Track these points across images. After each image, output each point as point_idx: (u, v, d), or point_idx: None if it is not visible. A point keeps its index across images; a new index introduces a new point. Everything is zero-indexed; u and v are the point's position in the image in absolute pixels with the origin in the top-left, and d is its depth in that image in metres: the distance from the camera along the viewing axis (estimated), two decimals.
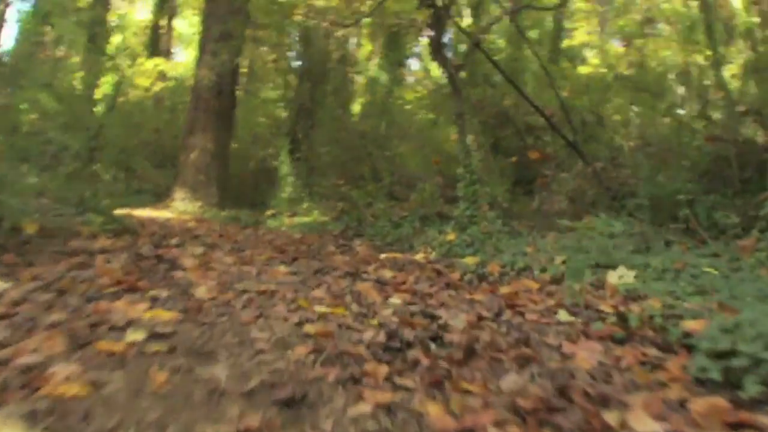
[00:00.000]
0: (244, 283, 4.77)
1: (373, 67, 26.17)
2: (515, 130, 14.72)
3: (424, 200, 10.65)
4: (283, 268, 5.74)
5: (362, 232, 10.18)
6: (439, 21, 9.61)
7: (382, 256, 7.44)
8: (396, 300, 4.50)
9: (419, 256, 7.58)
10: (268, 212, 16.04)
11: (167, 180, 18.42)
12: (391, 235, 9.25)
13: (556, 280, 5.65)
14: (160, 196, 17.77)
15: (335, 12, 17.83)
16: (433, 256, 7.66)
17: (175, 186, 17.14)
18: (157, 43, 28.00)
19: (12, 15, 49.39)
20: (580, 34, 28.14)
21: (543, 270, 6.04)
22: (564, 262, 6.07)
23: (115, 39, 29.65)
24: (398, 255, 7.61)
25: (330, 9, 17.68)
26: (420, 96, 25.89)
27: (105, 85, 26.21)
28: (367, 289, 4.81)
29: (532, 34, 22.07)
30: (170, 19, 31.50)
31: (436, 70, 35.66)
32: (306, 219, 14.88)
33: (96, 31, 25.42)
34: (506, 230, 8.33)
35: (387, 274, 5.89)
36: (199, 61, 17.67)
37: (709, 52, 21.90)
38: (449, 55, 11.55)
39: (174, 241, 7.36)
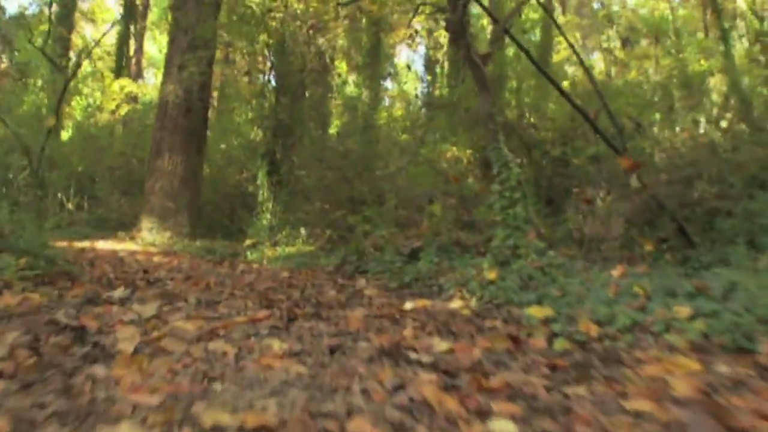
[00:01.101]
0: (213, 397, 2.51)
1: (351, 86, 24.41)
2: (534, 140, 12.67)
3: (436, 226, 8.42)
4: (276, 344, 3.48)
5: (364, 267, 7.92)
6: None
7: (408, 306, 5.21)
8: (502, 425, 2.29)
9: (457, 305, 5.36)
10: (247, 241, 13.79)
11: (136, 208, 16.13)
12: (406, 272, 6.97)
13: (706, 350, 3.46)
14: (128, 226, 15.47)
15: (314, 15, 15.75)
16: (474, 303, 5.45)
17: (142, 214, 14.85)
18: (123, 66, 25.71)
19: None
20: (562, 49, 26.18)
21: (665, 329, 3.85)
22: (694, 318, 3.88)
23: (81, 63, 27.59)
24: (427, 302, 5.39)
25: (308, 13, 15.60)
26: (399, 115, 24.09)
27: (76, 110, 24.01)
28: (434, 396, 2.57)
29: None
30: (139, 42, 29.33)
31: (411, 89, 33.94)
32: (289, 249, 12.65)
33: (59, 55, 23.08)
34: (560, 264, 6.11)
35: (438, 344, 3.67)
36: (165, 75, 15.42)
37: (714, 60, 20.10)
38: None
39: (119, 291, 5.08)
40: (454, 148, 15.83)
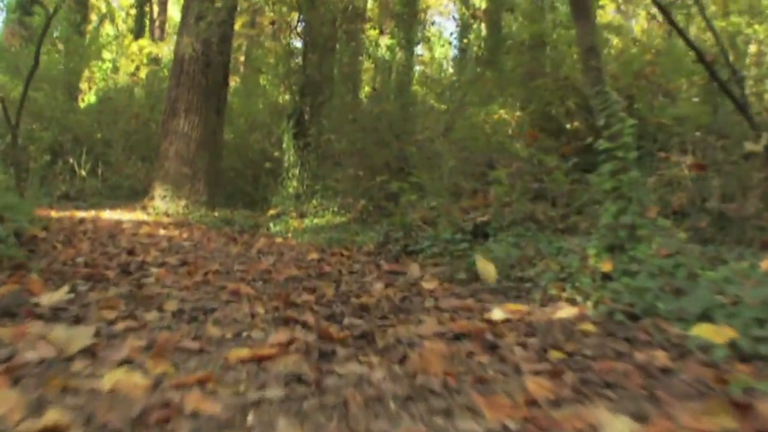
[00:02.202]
0: None
1: (383, 49, 22.59)
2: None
3: (503, 196, 6.52)
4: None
5: (414, 247, 6.02)
6: None
7: (497, 314, 3.35)
8: None
9: (568, 313, 3.51)
10: (271, 211, 12.00)
11: (152, 175, 14.35)
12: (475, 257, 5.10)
13: None
14: (143, 194, 13.71)
15: None
16: (591, 310, 3.59)
17: (155, 181, 13.06)
18: (143, 27, 23.86)
19: None
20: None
21: None
22: None
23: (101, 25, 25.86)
24: (521, 308, 3.55)
25: None
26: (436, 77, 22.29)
27: (96, 75, 22.18)
28: None
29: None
30: (163, 4, 27.50)
31: (442, 57, 31.92)
32: (318, 221, 10.86)
33: (79, 16, 21.27)
34: (699, 252, 4.24)
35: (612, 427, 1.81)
36: (181, 28, 13.56)
37: None
38: None
39: (59, 293, 3.26)
40: (502, 111, 13.91)
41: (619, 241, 4.28)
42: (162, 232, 8.49)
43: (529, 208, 6.19)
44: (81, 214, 11.06)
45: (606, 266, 4.02)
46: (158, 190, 12.71)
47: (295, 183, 12.76)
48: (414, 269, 5.07)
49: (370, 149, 11.71)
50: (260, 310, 3.22)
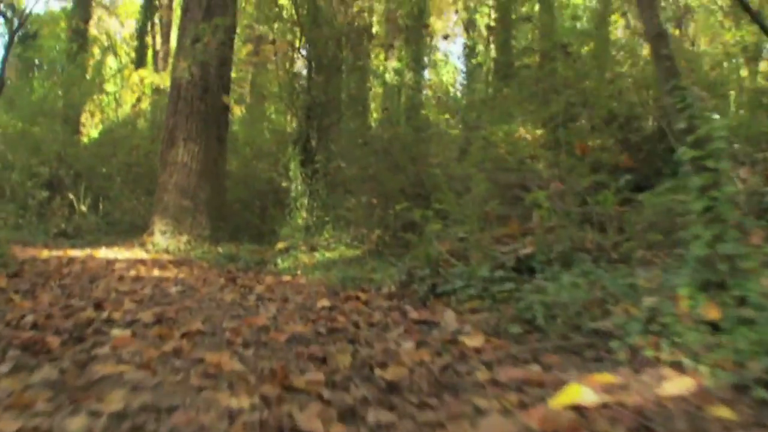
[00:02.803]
0: None
1: (391, 73, 21.76)
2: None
3: (546, 221, 5.46)
4: None
5: (445, 287, 4.94)
6: None
7: (584, 394, 2.29)
8: None
9: (681, 387, 2.47)
10: (279, 245, 10.97)
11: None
12: (528, 302, 3.98)
13: None
14: (143, 230, 12.70)
15: None
16: (708, 377, 2.55)
17: (154, 216, 12.07)
18: (144, 56, 23.03)
19: None
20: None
21: None
22: None
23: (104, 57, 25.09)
24: (611, 379, 2.52)
25: None
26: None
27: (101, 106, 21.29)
28: None
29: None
30: (166, 34, 26.64)
31: (449, 78, 31.13)
32: (330, 254, 9.85)
33: (75, 45, 20.44)
34: None
35: None
36: (178, 52, 12.65)
37: None
38: None
39: None
40: (521, 128, 12.88)
41: (717, 277, 3.23)
42: (155, 273, 7.48)
43: (578, 236, 5.14)
44: (74, 252, 10.15)
45: (712, 312, 2.97)
46: (158, 225, 11.73)
47: (304, 214, 11.74)
48: (449, 318, 4.03)
49: (383, 175, 10.69)
50: (244, 403, 2.18)
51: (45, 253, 9.73)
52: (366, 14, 14.10)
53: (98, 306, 4.18)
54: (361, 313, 4.33)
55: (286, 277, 8.17)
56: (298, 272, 8.72)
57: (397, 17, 19.01)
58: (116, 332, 3.35)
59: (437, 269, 5.35)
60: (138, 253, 10.69)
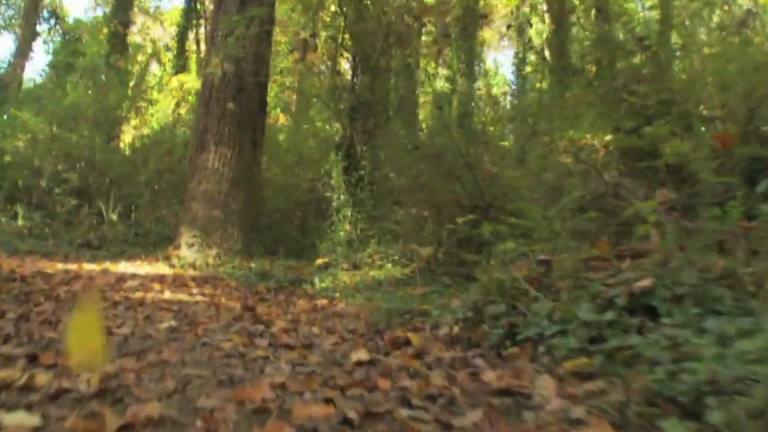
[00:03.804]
0: None
1: (441, 80, 20.59)
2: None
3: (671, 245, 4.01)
4: None
5: (528, 332, 3.50)
6: None
7: None
8: None
9: None
10: (318, 261, 9.63)
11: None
12: (668, 369, 2.60)
13: None
14: (171, 242, 11.45)
15: None
16: None
17: (181, 227, 10.82)
18: (185, 61, 22.01)
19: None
20: None
21: None
22: None
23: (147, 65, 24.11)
24: None
25: None
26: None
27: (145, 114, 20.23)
28: None
29: None
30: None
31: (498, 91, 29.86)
32: (375, 273, 8.52)
33: (116, 50, 19.48)
34: None
35: None
36: (210, 48, 11.43)
37: None
38: None
39: None
40: (588, 135, 11.45)
41: None
42: (165, 295, 6.19)
43: (711, 261, 3.70)
44: (90, 266, 8.97)
45: None
46: (185, 237, 10.46)
47: (346, 226, 10.41)
48: (545, 387, 2.63)
49: (436, 184, 9.33)
50: None
51: (58, 267, 8.59)
52: (415, 5, 12.58)
53: (33, 359, 2.85)
54: (414, 374, 2.95)
55: (322, 301, 6.84)
56: (337, 294, 7.39)
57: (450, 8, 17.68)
58: (9, 420, 2.00)
59: (514, 304, 3.93)
60: (160, 268, 9.46)
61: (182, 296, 6.23)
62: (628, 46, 10.20)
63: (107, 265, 9.29)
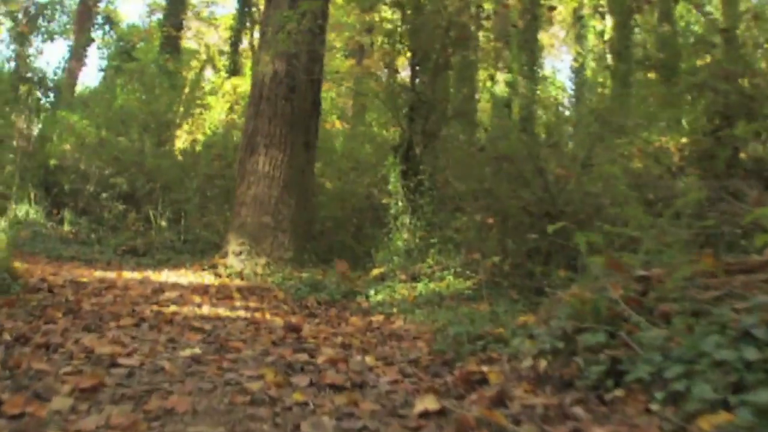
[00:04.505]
0: None
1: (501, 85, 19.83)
2: None
3: None
4: None
5: (638, 371, 2.75)
6: None
7: None
8: None
9: None
10: (374, 272, 8.92)
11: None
12: None
13: None
14: (219, 249, 10.83)
15: None
16: None
17: (229, 234, 10.21)
18: (238, 63, 21.62)
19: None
20: None
21: None
22: None
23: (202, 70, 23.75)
24: None
25: None
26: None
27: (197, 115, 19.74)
28: None
29: None
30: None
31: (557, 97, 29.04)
32: (436, 285, 7.78)
33: (168, 54, 19.09)
34: None
35: None
36: (261, 45, 10.82)
37: None
38: None
39: None
40: (662, 138, 10.59)
41: None
42: (203, 310, 5.56)
43: None
44: (130, 274, 8.48)
45: None
46: (232, 245, 9.84)
47: (404, 234, 9.64)
48: None
49: (501, 189, 8.55)
50: None
51: (95, 275, 8.13)
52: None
53: None
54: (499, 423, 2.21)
55: (377, 317, 6.16)
56: (394, 310, 6.67)
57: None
58: None
59: (612, 331, 3.17)
60: (205, 278, 8.87)
61: (222, 311, 5.58)
62: (710, 37, 9.29)
63: (149, 273, 8.79)
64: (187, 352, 3.32)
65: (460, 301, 6.84)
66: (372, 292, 7.86)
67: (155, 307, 5.41)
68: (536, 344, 3.41)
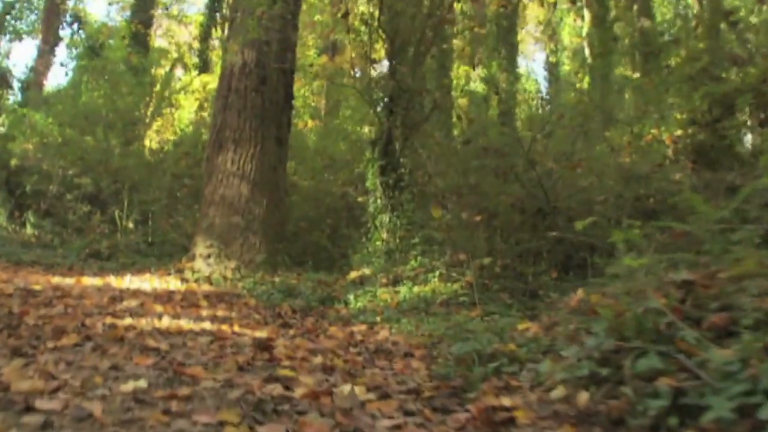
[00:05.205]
0: None
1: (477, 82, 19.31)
2: None
3: None
4: None
5: (723, 405, 2.08)
6: None
7: None
8: None
9: None
10: (352, 275, 8.23)
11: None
12: None
13: None
14: (186, 252, 10.11)
15: None
16: None
17: (197, 236, 9.49)
18: (207, 61, 20.97)
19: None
20: None
21: None
22: None
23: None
24: None
25: None
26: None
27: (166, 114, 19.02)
28: None
29: None
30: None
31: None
32: (420, 289, 7.10)
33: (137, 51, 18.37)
34: None
35: None
36: (229, 35, 10.12)
37: None
38: None
39: None
40: (654, 130, 10.00)
41: None
42: (164, 322, 4.83)
43: None
44: (90, 280, 7.76)
45: None
46: (200, 248, 9.13)
47: (384, 234, 8.94)
48: None
49: (489, 183, 7.90)
50: None
51: (52, 281, 7.41)
52: None
53: None
54: None
55: (359, 327, 5.49)
56: (378, 318, 5.98)
57: None
58: None
59: (666, 352, 2.48)
60: (171, 283, 8.12)
61: (185, 323, 4.86)
62: (714, 22, 8.69)
63: (111, 279, 8.05)
64: (130, 386, 2.58)
65: (449, 307, 6.19)
66: (351, 297, 7.18)
67: (109, 320, 4.69)
68: (567, 368, 2.72)
